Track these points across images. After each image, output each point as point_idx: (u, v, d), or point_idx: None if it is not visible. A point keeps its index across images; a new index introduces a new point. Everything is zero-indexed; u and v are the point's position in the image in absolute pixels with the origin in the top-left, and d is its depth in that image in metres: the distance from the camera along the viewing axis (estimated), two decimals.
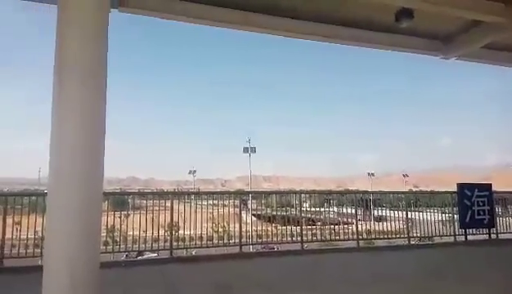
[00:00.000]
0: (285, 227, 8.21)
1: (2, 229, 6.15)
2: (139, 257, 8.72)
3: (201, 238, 7.64)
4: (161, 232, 7.46)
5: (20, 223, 6.57)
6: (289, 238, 8.06)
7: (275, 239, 8.07)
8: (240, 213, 7.87)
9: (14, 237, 6.43)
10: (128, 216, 7.61)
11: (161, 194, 12.07)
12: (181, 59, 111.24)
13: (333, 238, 8.40)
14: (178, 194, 8.49)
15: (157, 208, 7.72)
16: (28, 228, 6.51)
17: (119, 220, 7.22)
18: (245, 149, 40.82)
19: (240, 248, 7.40)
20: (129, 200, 8.35)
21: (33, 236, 6.50)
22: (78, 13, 2.70)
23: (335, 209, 9.86)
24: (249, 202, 12.38)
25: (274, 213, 8.76)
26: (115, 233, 7.06)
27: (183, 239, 7.52)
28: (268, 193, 10.74)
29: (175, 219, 7.24)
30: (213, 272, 5.90)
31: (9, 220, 6.34)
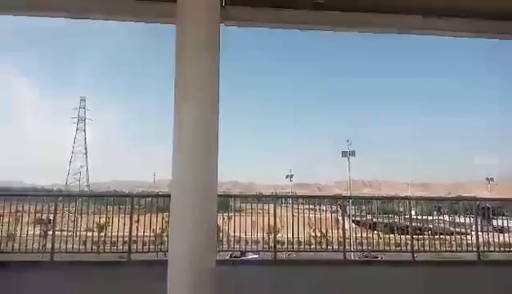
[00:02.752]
0: (387, 235, 7.80)
1: (130, 226, 7.05)
2: (242, 257, 9.13)
3: (299, 242, 7.67)
4: (261, 234, 7.71)
5: (138, 221, 7.38)
6: (396, 247, 7.62)
7: (377, 247, 7.71)
8: (344, 219, 7.74)
9: (139, 234, 7.22)
10: (230, 217, 8.04)
11: (260, 197, 12.48)
12: (276, 63, 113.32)
13: (447, 249, 7.73)
14: (277, 198, 8.66)
15: (257, 211, 8.02)
16: (145, 226, 7.34)
17: (222, 221, 7.68)
18: (344, 153, 39.67)
19: (344, 255, 7.26)
20: (231, 203, 8.81)
21: (152, 233, 7.32)
22: (193, 28, 3.03)
23: (447, 217, 9.02)
24: (348, 207, 12.10)
25: (376, 220, 8.36)
26: (220, 234, 7.52)
27: (282, 242, 7.64)
28: (369, 199, 10.25)
29: (274, 222, 7.42)
30: (319, 276, 5.85)
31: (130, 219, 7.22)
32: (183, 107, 2.99)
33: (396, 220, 8.37)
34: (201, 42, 3.05)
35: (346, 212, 8.64)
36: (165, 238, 7.19)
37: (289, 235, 7.62)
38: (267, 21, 4.05)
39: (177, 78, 3.02)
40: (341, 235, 7.57)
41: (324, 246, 7.60)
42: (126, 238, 7.15)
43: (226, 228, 7.64)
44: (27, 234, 7.08)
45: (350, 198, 13.50)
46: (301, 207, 8.28)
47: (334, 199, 9.30)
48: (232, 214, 8.18)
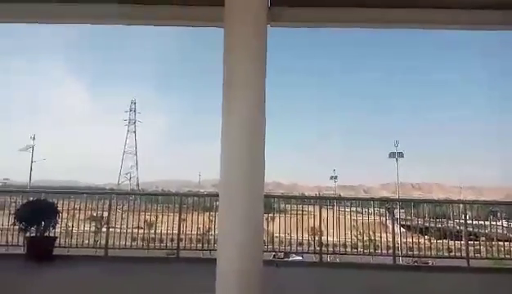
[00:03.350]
0: (439, 240, 7.45)
1: (178, 224, 7.30)
2: (285, 259, 9.11)
3: (345, 245, 7.54)
4: (305, 236, 7.66)
5: (185, 220, 7.58)
6: (449, 253, 7.27)
7: (428, 253, 7.39)
8: (393, 223, 7.52)
9: (185, 232, 7.44)
10: (273, 218, 8.06)
11: (304, 199, 12.41)
12: (319, 61, 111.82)
13: (505, 255, 7.28)
14: (322, 199, 8.55)
15: (300, 212, 7.99)
16: (192, 224, 7.55)
17: (265, 222, 7.71)
18: (391, 154, 38.29)
19: (394, 260, 7.04)
20: (274, 204, 8.82)
21: (198, 231, 7.52)
22: (241, 30, 3.09)
23: (504, 223, 8.46)
24: (396, 211, 11.68)
25: (427, 224, 8.01)
26: (263, 234, 7.55)
27: (327, 245, 7.54)
28: (419, 202, 9.84)
29: (318, 224, 7.35)
30: (367, 280, 5.71)
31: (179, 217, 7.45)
32: (231, 107, 3.05)
33: (449, 224, 7.98)
34: (249, 44, 3.10)
35: (393, 216, 8.35)
36: (211, 237, 7.35)
37: (334, 238, 7.51)
38: (311, 20, 4.02)
39: (224, 79, 3.09)
40: (389, 239, 7.34)
41: (371, 250, 7.40)
42: (173, 236, 7.40)
43: (269, 229, 7.66)
44: (83, 230, 7.53)
45: (398, 200, 13.02)
46: (347, 209, 8.12)
47: (382, 202, 9.00)
48: (275, 215, 8.20)
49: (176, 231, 7.34)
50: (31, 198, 7.37)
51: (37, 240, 6.68)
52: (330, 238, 7.50)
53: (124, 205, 8.36)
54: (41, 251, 6.64)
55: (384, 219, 8.03)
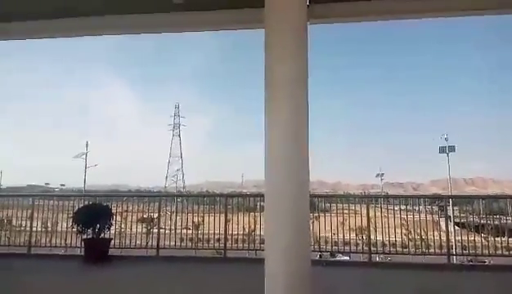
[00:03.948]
0: (498, 238, 7.01)
1: (225, 225, 7.44)
2: (331, 259, 8.98)
3: (394, 244, 7.30)
4: (351, 235, 7.51)
5: (230, 220, 7.69)
6: (509, 252, 6.83)
7: (485, 251, 6.97)
8: (446, 221, 7.19)
9: (230, 232, 7.56)
10: (317, 218, 7.97)
11: (349, 197, 12.19)
12: (358, 57, 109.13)
13: None
14: (369, 198, 8.34)
15: (346, 212, 7.84)
16: (238, 224, 7.66)
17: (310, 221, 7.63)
18: (442, 149, 36.41)
19: (449, 259, 6.73)
20: (318, 203, 8.71)
21: (243, 232, 7.61)
22: (281, 30, 3.11)
23: None
24: (449, 208, 11.06)
25: (482, 222, 7.56)
26: None
27: (376, 244, 7.34)
28: (473, 198, 9.31)
29: (365, 223, 7.18)
30: (420, 281, 5.49)
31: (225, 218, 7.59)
32: (272, 107, 3.06)
33: (507, 221, 7.49)
34: (289, 42, 3.10)
35: (446, 213, 7.96)
36: (256, 237, 7.41)
37: (383, 237, 7.28)
38: (351, 15, 3.96)
39: (266, 80, 3.11)
40: (442, 237, 7.02)
41: (423, 249, 7.12)
42: (219, 236, 7.55)
43: (315, 228, 7.58)
44: (136, 232, 7.87)
45: (451, 197, 12.39)
46: (395, 207, 7.85)
47: (432, 199, 8.62)
48: (320, 214, 8.10)
49: (221, 231, 7.48)
50: (87, 202, 7.82)
51: (93, 242, 7.07)
52: (379, 238, 7.28)
53: (172, 207, 8.65)
54: (97, 252, 7.02)
55: (436, 217, 7.68)
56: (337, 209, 7.88)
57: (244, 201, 8.32)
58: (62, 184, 52.01)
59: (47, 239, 7.85)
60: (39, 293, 4.93)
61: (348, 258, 8.31)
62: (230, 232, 7.49)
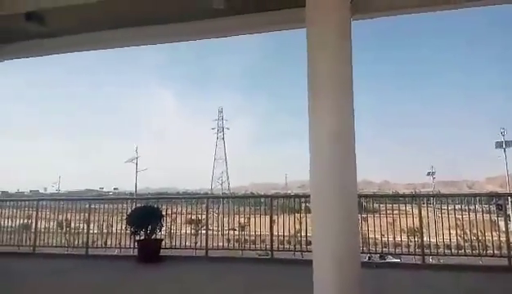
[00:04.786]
0: None
1: (270, 226, 7.46)
2: (381, 261, 8.70)
3: (449, 246, 6.93)
4: (402, 237, 7.24)
5: (275, 221, 7.68)
6: None
7: None
8: (506, 220, 6.73)
9: (275, 234, 7.56)
10: (366, 218, 7.75)
11: (398, 197, 11.74)
12: (404, 50, 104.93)
13: None
14: (419, 197, 7.98)
15: (396, 212, 7.57)
16: (283, 226, 7.65)
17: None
18: (498, 144, 34.14)
19: (509, 261, 6.31)
20: (366, 204, 8.48)
21: (287, 233, 7.59)
22: (324, 28, 3.07)
23: None
24: (508, 206, 10.31)
25: None
26: None
27: (428, 246, 7.03)
28: None
29: (416, 224, 6.90)
30: (480, 284, 5.20)
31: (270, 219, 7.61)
32: (317, 106, 3.02)
33: None
34: (333, 41, 3.04)
35: (506, 212, 7.45)
36: (302, 239, 7.37)
37: (437, 239, 6.95)
38: (391, 9, 3.83)
39: (309, 79, 3.07)
40: (499, 238, 6.59)
41: (480, 250, 6.71)
42: (265, 237, 7.57)
43: (363, 229, 7.39)
44: (185, 233, 8.10)
45: (510, 195, 11.53)
46: (449, 207, 7.45)
47: (489, 197, 8.08)
48: (367, 215, 7.88)
49: (267, 232, 7.51)
50: (139, 205, 8.16)
51: (146, 242, 7.37)
52: (433, 239, 6.96)
53: (218, 208, 8.80)
54: (150, 252, 7.32)
55: (494, 216, 7.22)
56: (386, 209, 7.62)
57: (289, 202, 8.30)
58: (115, 188, 54.80)
59: (103, 241, 8.29)
60: (102, 290, 5.23)
61: (398, 260, 8.01)
62: (275, 233, 7.49)
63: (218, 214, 8.71)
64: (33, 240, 8.44)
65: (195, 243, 7.84)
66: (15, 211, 9.19)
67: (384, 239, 7.32)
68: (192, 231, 8.12)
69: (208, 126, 65.46)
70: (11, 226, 8.88)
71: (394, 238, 7.22)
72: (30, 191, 55.16)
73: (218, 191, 58.18)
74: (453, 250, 6.87)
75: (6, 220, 8.90)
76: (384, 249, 7.34)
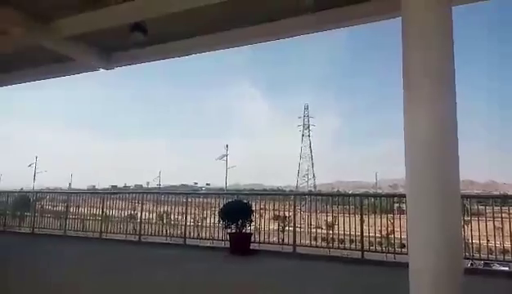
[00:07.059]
0: None
1: (361, 226, 7.25)
2: (485, 268, 7.90)
3: None
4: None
5: (365, 221, 7.42)
6: None
7: None
8: None
9: (365, 234, 7.31)
10: (469, 222, 7.09)
11: (508, 198, 10.49)
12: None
13: None
14: None
15: (506, 215, 6.76)
16: (375, 226, 7.36)
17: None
18: None
19: None
20: (469, 205, 7.75)
21: (378, 234, 7.29)
22: (420, 14, 2.87)
23: None
24: None
25: None
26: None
27: None
28: None
29: None
30: None
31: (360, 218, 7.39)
32: (414, 99, 2.82)
33: None
34: (432, 29, 2.81)
35: None
36: (396, 241, 7.07)
37: None
38: None
39: (404, 71, 2.89)
40: None
41: None
42: (355, 237, 7.37)
43: (465, 233, 6.76)
44: (273, 228, 8.27)
45: None
46: None
47: None
48: (470, 218, 7.19)
49: (356, 232, 7.32)
50: (230, 200, 8.55)
51: (237, 235, 7.70)
52: None
53: (304, 205, 8.79)
54: (240, 245, 7.64)
55: None
56: (493, 212, 6.85)
57: (381, 201, 7.96)
58: (208, 184, 58.23)
59: (197, 233, 8.86)
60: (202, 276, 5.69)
61: (507, 268, 7.18)
62: (366, 233, 7.24)
63: (305, 211, 8.70)
64: (138, 230, 9.39)
65: (282, 239, 7.94)
66: (122, 203, 10.38)
67: (490, 245, 6.62)
68: (279, 227, 8.23)
69: (295, 124, 65.65)
70: (118, 216, 10.02)
71: (502, 243, 6.47)
72: (135, 185, 61.54)
73: (304, 188, 58.06)
74: None
75: (115, 211, 10.09)
76: (489, 255, 6.64)
